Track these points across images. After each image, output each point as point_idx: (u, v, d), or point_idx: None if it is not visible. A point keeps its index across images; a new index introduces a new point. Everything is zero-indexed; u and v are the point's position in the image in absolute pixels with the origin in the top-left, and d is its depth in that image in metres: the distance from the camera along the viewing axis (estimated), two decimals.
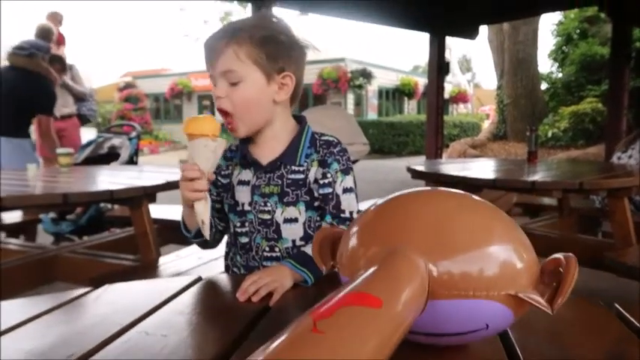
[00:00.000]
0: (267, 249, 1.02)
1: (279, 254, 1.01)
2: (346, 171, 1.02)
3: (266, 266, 1.01)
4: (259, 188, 1.01)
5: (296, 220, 1.00)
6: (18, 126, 3.49)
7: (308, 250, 0.93)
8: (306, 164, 1.01)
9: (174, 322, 0.72)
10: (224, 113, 0.98)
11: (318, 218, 1.02)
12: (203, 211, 0.89)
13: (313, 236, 0.97)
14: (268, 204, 1.00)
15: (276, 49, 0.97)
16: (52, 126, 3.63)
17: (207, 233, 0.90)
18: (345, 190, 1.01)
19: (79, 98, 4.71)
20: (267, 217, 1.01)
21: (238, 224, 1.05)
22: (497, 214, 0.59)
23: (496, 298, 0.53)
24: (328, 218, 1.00)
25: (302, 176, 1.00)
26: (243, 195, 1.03)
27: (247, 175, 1.03)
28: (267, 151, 1.02)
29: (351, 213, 1.01)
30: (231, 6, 18.15)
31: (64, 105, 4.53)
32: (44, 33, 4.02)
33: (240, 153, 1.06)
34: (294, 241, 1.01)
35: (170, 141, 19.06)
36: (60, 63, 4.11)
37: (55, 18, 4.74)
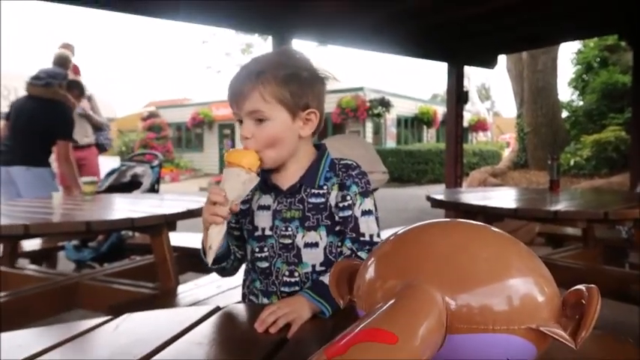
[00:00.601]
0: (287, 273, 1.02)
1: (298, 279, 1.01)
2: (365, 194, 1.02)
3: (284, 292, 1.01)
4: (280, 213, 1.02)
5: (317, 244, 1.00)
6: (38, 155, 3.55)
7: (326, 279, 0.92)
8: (326, 187, 1.02)
9: (192, 354, 0.72)
10: None
11: (339, 243, 1.02)
12: (215, 237, 0.90)
13: (333, 262, 0.98)
14: (289, 228, 1.01)
15: (299, 87, 0.99)
16: (71, 152, 3.68)
17: (210, 259, 0.92)
18: (364, 213, 1.01)
19: (98, 128, 4.80)
20: (288, 241, 1.01)
21: (257, 249, 1.05)
22: (516, 246, 0.58)
23: (517, 332, 0.51)
24: (348, 242, 0.99)
25: (323, 200, 1.01)
26: (263, 220, 1.04)
27: (267, 200, 1.04)
28: (288, 176, 1.04)
29: (370, 236, 1.00)
30: (252, 38, 18.59)
31: (85, 134, 4.62)
32: (61, 60, 4.09)
33: (260, 178, 1.07)
34: (314, 266, 1.01)
35: (191, 169, 19.32)
36: (78, 88, 4.16)
37: (68, 49, 4.90)
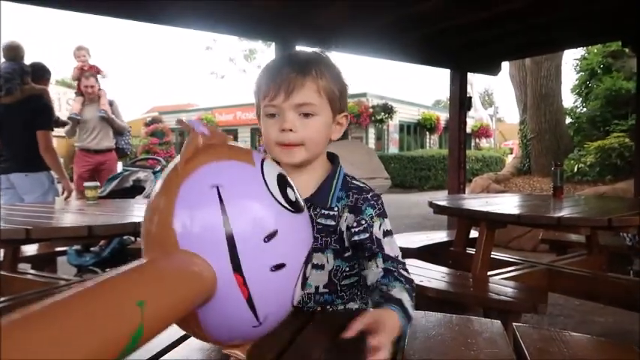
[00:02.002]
0: None
1: (300, 298, 0.98)
2: (383, 214, 0.97)
3: None
4: None
5: (322, 266, 0.95)
6: (34, 160, 3.51)
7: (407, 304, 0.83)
8: (337, 209, 0.95)
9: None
10: (286, 145, 0.93)
11: (347, 269, 0.96)
12: None
13: (337, 286, 0.96)
14: None
15: (344, 89, 0.98)
16: (50, 140, 3.60)
17: None
18: (386, 234, 0.95)
19: (119, 132, 4.82)
20: None
21: None
22: None
23: None
24: (380, 262, 0.91)
25: (333, 222, 0.95)
26: None
27: None
28: (301, 187, 0.97)
29: (396, 256, 0.94)
30: (255, 44, 18.65)
31: (105, 139, 4.66)
32: (11, 53, 3.78)
33: None
34: (317, 288, 0.97)
35: None
36: (42, 71, 3.97)
37: (84, 50, 4.92)
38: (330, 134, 0.98)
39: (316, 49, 1.01)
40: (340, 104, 0.97)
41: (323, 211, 0.95)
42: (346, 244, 0.95)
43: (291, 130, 0.91)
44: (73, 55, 4.95)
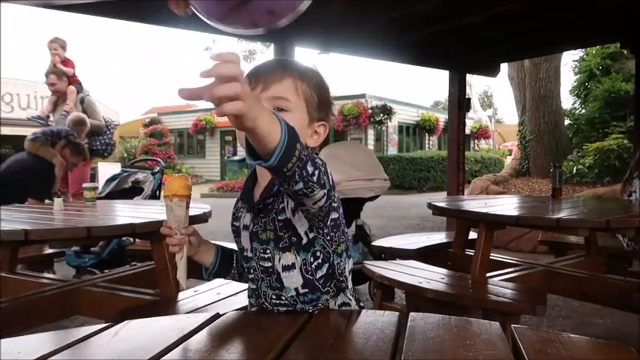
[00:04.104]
0: (274, 297, 1.00)
1: (286, 302, 0.99)
2: None
3: (280, 310, 1.00)
4: (257, 235, 0.98)
5: (293, 266, 0.96)
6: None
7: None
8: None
9: None
10: None
11: (312, 259, 0.96)
12: (180, 262, 0.98)
13: (314, 282, 0.96)
14: (268, 250, 0.98)
15: (325, 101, 1.01)
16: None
17: (182, 283, 0.99)
18: None
19: (95, 132, 4.49)
20: (268, 264, 0.98)
21: (248, 270, 1.04)
22: None
23: None
24: None
25: (284, 218, 0.95)
26: (245, 241, 1.03)
27: (247, 219, 1.02)
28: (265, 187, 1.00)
29: None
30: (254, 45, 18.66)
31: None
32: (75, 122, 3.91)
33: (241, 192, 1.05)
34: (296, 289, 0.97)
35: (192, 175, 19.35)
36: (75, 149, 3.84)
37: (57, 43, 4.52)
38: (304, 138, 0.97)
39: (313, 66, 1.05)
40: (318, 112, 1.00)
41: (281, 206, 0.95)
42: (299, 227, 0.94)
43: None
44: (47, 47, 4.51)
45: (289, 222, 0.95)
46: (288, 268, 0.96)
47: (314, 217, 0.92)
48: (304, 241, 0.96)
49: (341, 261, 0.99)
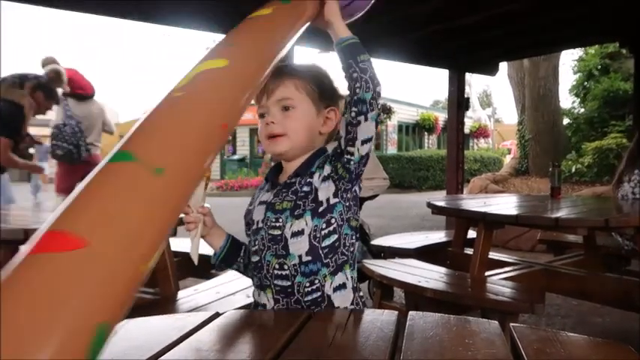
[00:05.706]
0: (276, 266, 1.03)
1: (288, 272, 1.02)
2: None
3: (278, 284, 1.02)
4: (273, 205, 1.05)
5: (302, 232, 1.01)
6: None
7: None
8: (315, 172, 1.05)
9: None
10: (272, 137, 1.06)
11: (324, 225, 1.02)
12: (194, 240, 1.02)
13: (318, 250, 1.01)
14: (280, 219, 1.03)
15: (324, 86, 1.11)
16: (6, 149, 3.33)
17: (194, 258, 1.02)
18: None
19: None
20: (277, 232, 1.03)
21: (252, 243, 1.08)
22: None
23: None
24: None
25: (309, 188, 1.03)
26: (258, 214, 1.08)
27: (267, 196, 1.09)
28: (290, 171, 1.09)
29: None
30: None
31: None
32: (52, 73, 3.80)
33: (267, 177, 1.15)
34: (300, 257, 1.01)
35: None
36: (44, 91, 3.67)
37: (50, 61, 4.29)
38: (316, 127, 1.10)
39: (311, 63, 1.18)
40: (323, 100, 1.10)
41: (307, 179, 1.04)
42: (322, 195, 1.02)
43: (273, 122, 1.06)
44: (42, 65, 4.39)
45: (313, 191, 1.02)
46: (297, 234, 1.01)
47: (350, 174, 1.01)
48: (322, 207, 1.02)
49: (351, 234, 1.05)
